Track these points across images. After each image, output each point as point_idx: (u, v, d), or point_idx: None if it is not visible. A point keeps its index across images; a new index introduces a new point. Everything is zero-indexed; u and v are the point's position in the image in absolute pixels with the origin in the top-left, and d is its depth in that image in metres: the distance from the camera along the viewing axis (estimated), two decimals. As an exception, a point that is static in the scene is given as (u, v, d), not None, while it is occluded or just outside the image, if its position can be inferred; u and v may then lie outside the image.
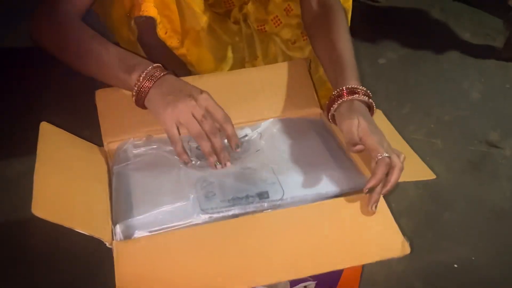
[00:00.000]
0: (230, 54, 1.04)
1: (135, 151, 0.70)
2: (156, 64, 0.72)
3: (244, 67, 1.09)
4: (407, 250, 0.58)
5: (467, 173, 1.12)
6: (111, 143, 0.72)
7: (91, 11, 0.88)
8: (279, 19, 1.02)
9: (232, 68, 1.06)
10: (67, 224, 0.50)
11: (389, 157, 0.62)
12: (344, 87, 0.71)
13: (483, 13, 1.76)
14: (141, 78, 0.69)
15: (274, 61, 1.05)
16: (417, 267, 0.90)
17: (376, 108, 0.72)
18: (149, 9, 0.82)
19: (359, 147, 0.64)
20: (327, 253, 0.58)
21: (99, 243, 0.86)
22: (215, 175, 0.66)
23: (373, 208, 0.61)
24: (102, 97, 0.76)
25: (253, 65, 1.10)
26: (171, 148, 0.69)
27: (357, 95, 0.70)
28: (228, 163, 0.68)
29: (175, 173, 0.66)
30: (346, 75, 0.74)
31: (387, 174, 0.62)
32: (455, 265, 0.90)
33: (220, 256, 0.55)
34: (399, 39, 1.59)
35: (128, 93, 0.72)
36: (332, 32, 0.80)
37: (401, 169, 0.62)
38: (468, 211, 1.02)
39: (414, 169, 0.69)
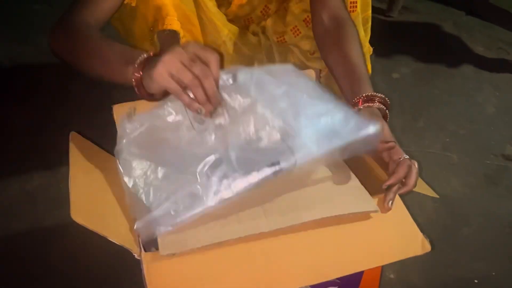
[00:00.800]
0: (251, 66, 1.06)
1: (131, 128, 0.67)
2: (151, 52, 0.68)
3: None
4: (428, 247, 0.59)
5: (483, 187, 1.12)
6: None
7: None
8: (298, 29, 1.04)
9: None
10: (102, 232, 0.50)
11: (410, 160, 0.65)
12: (362, 95, 0.73)
13: (495, 27, 1.77)
14: (136, 65, 0.64)
15: None
16: (438, 282, 0.89)
17: (390, 121, 0.74)
18: (173, 22, 0.84)
19: (391, 144, 0.67)
20: (349, 255, 0.58)
21: (116, 257, 0.87)
22: (220, 151, 0.62)
23: (389, 204, 0.64)
24: (119, 112, 0.76)
25: None
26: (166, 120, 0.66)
27: (374, 103, 0.72)
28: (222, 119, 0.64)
29: (179, 153, 0.64)
30: (362, 84, 0.76)
31: (406, 177, 0.65)
32: (476, 281, 0.90)
33: (246, 267, 0.55)
34: (412, 53, 1.60)
35: (145, 106, 0.73)
36: (345, 45, 0.82)
37: (418, 174, 0.65)
38: (486, 225, 1.02)
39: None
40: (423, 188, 0.71)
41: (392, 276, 0.89)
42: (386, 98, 0.73)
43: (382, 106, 0.73)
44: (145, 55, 0.65)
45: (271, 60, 1.09)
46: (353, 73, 0.78)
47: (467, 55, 1.61)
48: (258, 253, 0.57)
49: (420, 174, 0.66)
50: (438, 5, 1.91)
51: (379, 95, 0.73)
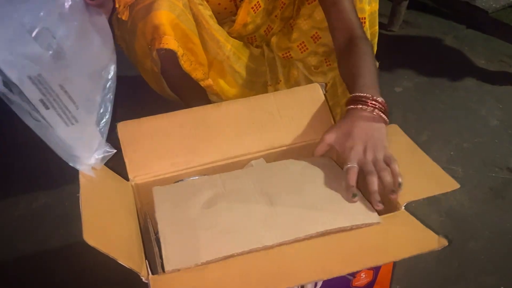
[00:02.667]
0: (254, 79, 1.07)
1: None
2: None
3: (267, 91, 1.12)
4: (445, 242, 0.59)
5: (489, 201, 1.11)
6: (137, 177, 0.73)
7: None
8: (305, 45, 1.04)
9: (257, 93, 1.08)
10: (112, 254, 0.51)
11: (355, 166, 0.66)
12: (350, 96, 0.74)
13: (497, 40, 1.77)
14: None
15: (296, 85, 1.07)
16: (445, 297, 0.89)
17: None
18: (169, 41, 0.85)
19: (321, 146, 0.73)
20: (362, 251, 0.59)
21: (123, 278, 0.87)
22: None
23: (379, 205, 0.64)
24: (124, 130, 0.76)
25: (276, 89, 1.12)
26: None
27: (359, 105, 0.71)
28: None
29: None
30: (356, 84, 0.75)
31: (369, 184, 0.65)
32: (484, 295, 0.89)
33: (255, 274, 0.56)
34: (414, 67, 1.61)
35: (151, 123, 0.75)
36: (357, 56, 0.81)
37: (376, 174, 0.65)
38: (493, 239, 1.01)
39: (437, 181, 0.69)
40: (439, 187, 0.69)
41: (399, 291, 0.89)
42: (379, 99, 0.72)
43: (365, 107, 0.71)
44: None
45: (274, 72, 1.10)
46: (356, 74, 0.78)
47: (469, 68, 1.62)
48: (265, 260, 0.57)
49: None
50: (439, 19, 1.93)
51: (367, 96, 0.72)
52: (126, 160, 0.74)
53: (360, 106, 0.71)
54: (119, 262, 0.51)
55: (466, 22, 1.88)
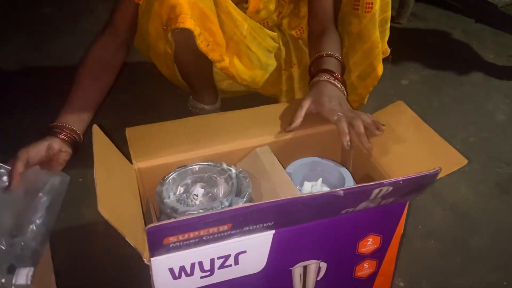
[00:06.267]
0: (270, 61, 1.07)
1: None
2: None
3: (280, 75, 1.14)
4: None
5: (494, 196, 1.10)
6: (140, 162, 0.73)
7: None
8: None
9: (271, 77, 1.10)
10: (122, 230, 0.50)
11: (339, 114, 0.76)
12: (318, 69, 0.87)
13: (505, 34, 1.75)
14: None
15: (306, 69, 1.08)
16: (448, 290, 0.88)
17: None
18: (186, 20, 0.83)
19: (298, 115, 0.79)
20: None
21: (122, 262, 0.87)
22: None
23: (368, 144, 0.74)
24: (131, 133, 0.78)
25: (289, 73, 1.14)
26: None
27: (325, 77, 0.84)
28: None
29: None
30: (323, 62, 0.89)
31: (350, 125, 0.75)
32: (487, 290, 0.88)
33: None
34: (421, 60, 1.60)
35: (158, 126, 0.79)
36: (327, 43, 0.95)
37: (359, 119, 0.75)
38: (497, 234, 1.00)
39: (445, 160, 0.69)
40: (448, 166, 0.68)
41: (401, 284, 0.88)
42: (339, 76, 0.86)
43: (332, 79, 0.84)
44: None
45: (288, 55, 1.10)
46: (322, 57, 0.91)
47: (476, 62, 1.60)
48: None
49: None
50: (447, 12, 1.91)
51: (333, 71, 0.86)
52: (131, 150, 0.73)
53: (327, 77, 0.84)
54: (126, 239, 0.50)
55: (475, 16, 1.86)
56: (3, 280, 0.72)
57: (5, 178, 0.78)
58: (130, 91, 1.39)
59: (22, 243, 0.75)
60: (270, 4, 1.00)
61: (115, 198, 0.56)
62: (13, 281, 0.72)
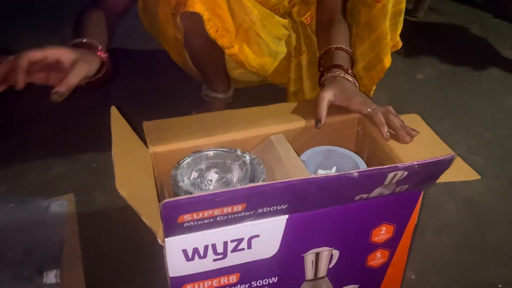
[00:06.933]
0: (279, 48, 1.06)
1: None
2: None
3: (290, 62, 1.14)
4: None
5: (509, 192, 1.09)
6: (155, 147, 0.73)
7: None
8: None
9: (280, 64, 1.09)
10: (138, 209, 0.50)
11: (374, 107, 0.76)
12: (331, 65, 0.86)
13: (524, 31, 1.73)
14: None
15: (314, 57, 1.07)
16: (459, 285, 0.87)
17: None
18: (195, 4, 0.83)
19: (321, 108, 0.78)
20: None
21: (133, 247, 0.87)
22: None
23: (388, 134, 0.74)
24: (148, 125, 0.78)
25: (299, 61, 1.13)
26: None
27: (341, 73, 0.84)
28: None
29: None
30: (335, 56, 0.88)
31: (386, 120, 0.74)
32: (500, 285, 0.87)
33: None
34: (438, 55, 1.58)
35: (174, 120, 0.80)
36: (335, 35, 0.94)
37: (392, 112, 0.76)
38: (510, 231, 0.99)
39: (457, 170, 0.67)
40: (459, 175, 0.68)
41: (413, 277, 0.88)
42: (350, 71, 0.85)
43: (348, 75, 0.83)
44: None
45: (298, 42, 1.10)
46: (333, 50, 0.90)
47: (494, 58, 1.58)
48: None
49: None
50: (465, 7, 1.88)
51: (345, 67, 0.85)
52: (147, 138, 0.73)
53: (343, 74, 0.83)
54: (142, 219, 0.50)
55: (494, 11, 1.83)
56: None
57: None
58: (144, 79, 1.39)
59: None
60: None
61: (132, 178, 0.57)
62: (44, 281, 0.78)
